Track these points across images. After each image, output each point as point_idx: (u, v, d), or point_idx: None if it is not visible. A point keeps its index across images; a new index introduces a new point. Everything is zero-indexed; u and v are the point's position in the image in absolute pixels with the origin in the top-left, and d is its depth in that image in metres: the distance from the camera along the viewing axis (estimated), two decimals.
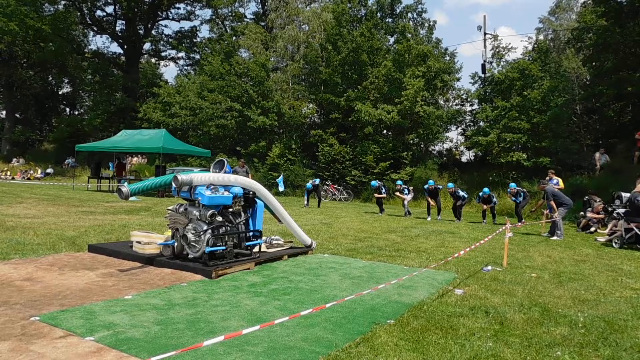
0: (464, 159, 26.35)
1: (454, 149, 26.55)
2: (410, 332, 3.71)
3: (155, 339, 3.29)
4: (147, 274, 5.27)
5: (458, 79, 25.76)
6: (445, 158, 25.30)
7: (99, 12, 39.35)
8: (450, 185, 14.88)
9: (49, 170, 31.42)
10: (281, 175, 21.36)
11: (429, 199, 14.96)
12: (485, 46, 24.61)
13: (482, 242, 6.91)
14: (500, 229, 7.66)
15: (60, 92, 47.01)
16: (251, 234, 6.13)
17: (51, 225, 8.55)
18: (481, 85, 23.97)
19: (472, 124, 25.11)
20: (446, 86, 24.50)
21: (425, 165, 22.57)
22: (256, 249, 6.17)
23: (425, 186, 15.23)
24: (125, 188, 5.23)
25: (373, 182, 16.46)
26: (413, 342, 3.48)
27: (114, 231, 8.35)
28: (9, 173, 30.58)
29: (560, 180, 13.66)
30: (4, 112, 45.61)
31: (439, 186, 15.34)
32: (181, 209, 5.66)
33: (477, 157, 24.57)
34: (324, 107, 26.25)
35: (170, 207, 5.88)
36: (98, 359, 2.92)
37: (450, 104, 26.21)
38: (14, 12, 32.45)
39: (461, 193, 14.67)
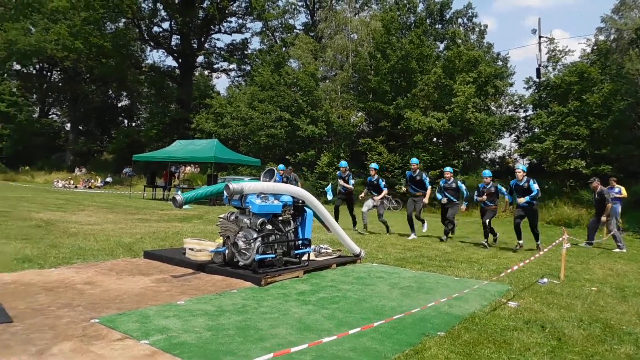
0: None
1: (507, 157, 25.77)
2: (461, 345, 3.60)
3: (207, 344, 3.35)
4: (199, 280, 5.40)
5: (511, 84, 25.05)
6: (498, 166, 24.59)
7: (155, 28, 41.14)
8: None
9: (108, 179, 32.97)
10: (330, 184, 21.43)
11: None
12: (540, 49, 23.83)
13: (537, 255, 6.64)
14: (558, 240, 7.33)
15: (119, 105, 49.36)
16: (300, 242, 6.16)
17: (110, 232, 8.93)
18: (536, 90, 23.18)
19: (526, 130, 24.33)
20: (498, 92, 23.88)
21: (477, 173, 22.02)
22: (305, 257, 6.20)
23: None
24: (180, 196, 5.39)
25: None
26: (464, 356, 3.38)
27: (167, 238, 8.62)
28: (72, 182, 32.35)
29: (623, 188, 12.95)
30: (68, 125, 48.38)
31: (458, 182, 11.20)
32: (232, 217, 5.77)
33: (532, 165, 23.72)
34: (373, 115, 26.19)
35: (221, 215, 6.01)
36: None
37: (503, 110, 25.50)
38: (79, 32, 34.47)
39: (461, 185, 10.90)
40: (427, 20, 28.28)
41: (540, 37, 24.02)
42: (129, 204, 17.01)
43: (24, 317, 3.77)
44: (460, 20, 30.04)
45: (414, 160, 11.36)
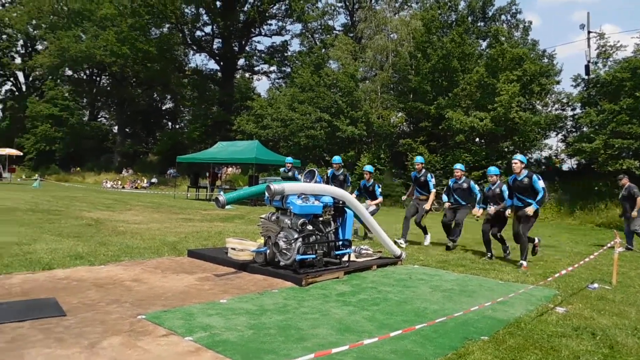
0: (565, 167, 24.61)
1: (553, 157, 24.89)
2: (506, 350, 3.50)
3: (248, 342, 3.40)
4: (241, 279, 5.49)
5: (557, 82, 24.19)
6: (544, 167, 23.80)
7: (198, 33, 42.12)
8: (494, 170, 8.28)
9: (154, 180, 33.97)
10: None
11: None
12: (589, 45, 22.91)
13: (588, 258, 6.39)
14: (610, 244, 7.03)
15: (163, 108, 50.79)
16: (340, 243, 6.16)
17: (155, 231, 9.20)
18: (584, 88, 22.30)
19: (574, 129, 23.41)
20: (544, 90, 23.10)
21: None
22: (345, 258, 6.19)
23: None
24: (222, 197, 5.48)
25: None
26: None
27: (210, 238, 8.80)
28: (119, 182, 33.58)
29: None
30: (116, 128, 50.20)
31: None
32: (273, 218, 5.83)
33: (581, 166, 22.83)
34: (413, 115, 25.89)
35: (263, 216, 6.08)
36: (196, 358, 3.07)
37: (549, 109, 24.66)
38: (126, 38, 35.74)
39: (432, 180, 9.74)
40: (469, 18, 27.73)
41: (589, 32, 23.09)
42: (173, 204, 17.46)
43: (76, 311, 3.93)
44: (503, 17, 29.30)
45: (419, 158, 9.91)
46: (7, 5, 53.06)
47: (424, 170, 9.75)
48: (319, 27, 38.46)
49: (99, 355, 3.04)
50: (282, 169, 12.80)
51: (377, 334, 3.63)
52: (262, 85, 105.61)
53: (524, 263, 7.24)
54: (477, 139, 23.65)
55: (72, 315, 3.83)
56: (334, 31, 37.30)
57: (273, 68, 43.77)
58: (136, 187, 31.83)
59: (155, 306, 4.20)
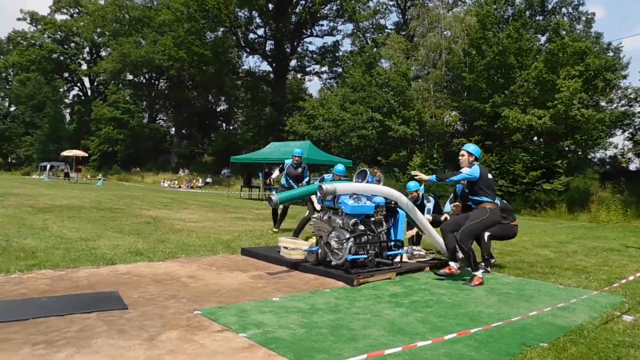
0: (632, 167, 23.25)
1: (619, 156, 23.57)
2: (567, 359, 3.35)
3: (300, 340, 3.43)
4: (293, 278, 5.55)
5: (624, 77, 22.88)
6: (608, 166, 22.58)
7: (251, 35, 42.94)
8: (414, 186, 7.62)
9: (208, 180, 34.96)
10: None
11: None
12: None
13: None
14: None
15: (218, 110, 52.18)
16: (392, 243, 6.11)
17: (210, 230, 9.46)
18: None
19: None
20: (609, 85, 21.91)
21: (584, 174, 20.39)
22: (397, 259, 6.13)
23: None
24: (275, 197, 5.56)
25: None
26: None
27: (263, 236, 8.95)
28: (176, 182, 34.81)
29: None
30: (173, 129, 52.06)
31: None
32: (325, 217, 5.86)
33: None
34: (468, 114, 25.26)
35: (314, 215, 6.12)
36: (250, 354, 3.13)
37: (615, 106, 23.37)
38: (183, 42, 36.99)
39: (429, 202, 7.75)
40: (527, 12, 26.68)
41: None
42: (227, 203, 17.89)
43: (136, 305, 4.11)
44: (564, 9, 28.03)
45: (412, 186, 7.65)
46: (75, 15, 56.28)
47: (421, 195, 7.72)
48: (371, 26, 38.25)
49: (158, 347, 3.16)
50: (286, 162, 9.95)
51: (431, 337, 3.57)
52: (313, 85, 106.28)
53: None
54: (535, 138, 22.76)
55: (133, 308, 4.01)
56: (386, 30, 36.99)
57: (324, 68, 44.00)
58: (192, 187, 32.86)
59: (211, 302, 4.32)
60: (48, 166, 40.84)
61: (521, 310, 4.47)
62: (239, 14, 40.00)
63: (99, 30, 49.52)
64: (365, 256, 5.65)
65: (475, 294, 5.22)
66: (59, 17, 56.35)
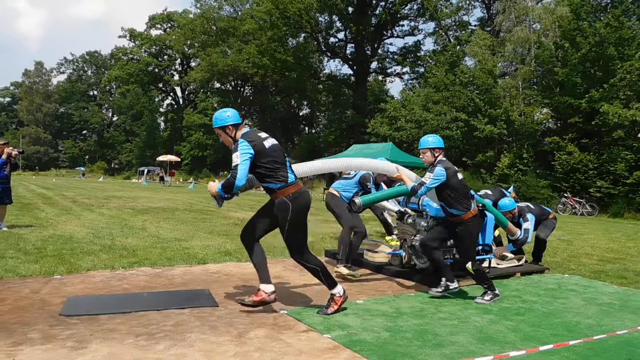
0: None
1: None
2: None
3: (385, 344, 3.40)
4: (377, 281, 5.52)
5: None
6: None
7: (332, 39, 43.40)
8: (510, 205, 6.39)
9: None
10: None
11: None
12: None
13: None
14: None
15: (300, 114, 53.28)
16: (480, 247, 5.87)
17: None
18: None
19: None
20: None
21: None
22: (485, 264, 5.88)
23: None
24: (358, 200, 5.52)
25: None
26: None
27: None
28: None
29: None
30: None
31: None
32: (409, 220, 5.77)
33: None
34: (561, 111, 23.72)
35: (394, 217, 6.05)
36: (334, 356, 3.16)
37: None
38: (266, 49, 38.23)
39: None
40: None
41: None
42: (311, 205, 18.15)
43: (226, 303, 4.30)
44: None
45: (507, 205, 6.42)
46: (168, 30, 60.25)
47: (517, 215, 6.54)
48: (453, 23, 37.18)
49: (247, 344, 3.28)
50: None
51: (523, 347, 3.39)
52: (395, 87, 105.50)
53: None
54: None
55: (223, 306, 4.20)
56: (470, 27, 35.77)
57: (406, 69, 43.42)
58: None
59: (296, 303, 4.41)
60: (145, 170, 44.00)
61: (627, 323, 4.11)
62: (320, 18, 40.60)
63: (188, 42, 52.62)
64: (451, 260, 5.48)
65: (572, 303, 4.88)
66: (154, 32, 60.76)
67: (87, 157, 66.03)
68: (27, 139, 66.55)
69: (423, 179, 4.73)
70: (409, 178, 4.71)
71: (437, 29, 38.47)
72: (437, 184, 4.64)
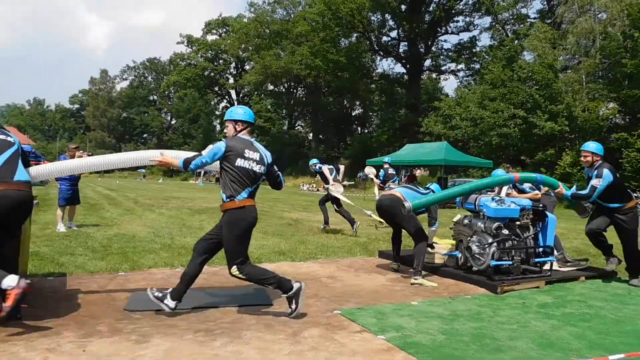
0: None
1: None
2: None
3: (440, 347, 3.33)
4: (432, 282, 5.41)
5: None
6: None
7: (384, 38, 43.09)
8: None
9: (345, 183, 35.74)
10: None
11: None
12: None
13: None
14: None
15: (353, 114, 53.22)
16: (541, 249, 5.64)
17: (348, 232, 9.65)
18: None
19: None
20: None
21: None
22: (546, 267, 5.64)
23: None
24: (408, 203, 5.35)
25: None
26: None
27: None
28: (314, 186, 36.19)
29: None
30: (310, 135, 54.33)
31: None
32: (465, 221, 5.63)
33: None
34: (629, 105, 22.39)
35: (454, 219, 5.92)
36: (389, 357, 3.13)
37: None
38: (318, 50, 38.46)
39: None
40: None
41: None
42: (364, 206, 18.08)
43: (281, 302, 4.34)
44: None
45: None
46: (223, 34, 61.91)
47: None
48: (511, 17, 35.95)
49: (301, 343, 3.31)
50: (382, 171, 11.93)
51: (589, 355, 3.22)
52: (449, 84, 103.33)
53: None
54: None
55: (278, 305, 4.25)
56: (528, 20, 34.46)
57: (461, 66, 42.42)
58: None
59: (350, 303, 4.41)
60: (202, 172, 45.31)
61: None
62: (372, 18, 40.39)
63: (243, 46, 53.79)
64: (510, 262, 5.29)
65: None
66: (210, 37, 62.62)
67: None
68: (94, 143, 70.27)
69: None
70: (177, 158, 4.13)
71: (493, 23, 37.35)
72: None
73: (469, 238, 5.48)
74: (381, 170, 12.13)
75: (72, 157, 8.52)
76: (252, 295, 4.55)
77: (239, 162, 3.78)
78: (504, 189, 6.36)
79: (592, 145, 5.66)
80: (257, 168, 3.88)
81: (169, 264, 5.88)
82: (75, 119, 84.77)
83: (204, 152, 3.83)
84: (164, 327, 3.57)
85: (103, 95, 75.95)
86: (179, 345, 3.21)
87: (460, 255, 5.66)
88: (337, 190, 9.34)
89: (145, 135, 74.67)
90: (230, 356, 3.07)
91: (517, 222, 5.52)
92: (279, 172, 4.24)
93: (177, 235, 8.27)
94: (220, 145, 3.83)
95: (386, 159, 12.48)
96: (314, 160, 10.03)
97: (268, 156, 4.02)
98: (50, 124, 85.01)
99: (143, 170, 62.25)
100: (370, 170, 12.03)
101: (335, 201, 9.51)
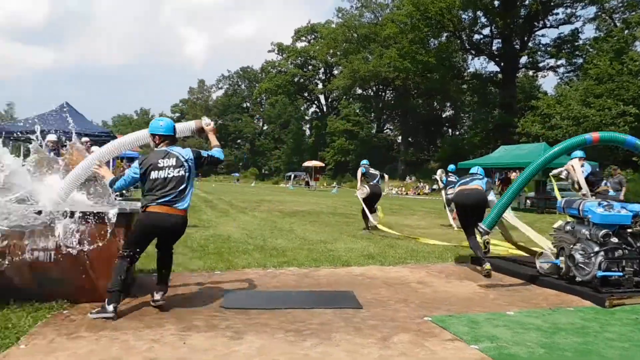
0: None
1: None
2: None
3: None
4: (529, 292, 5.10)
5: None
6: None
7: (476, 36, 41.54)
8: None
9: (435, 187, 34.88)
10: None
11: None
12: None
13: None
14: None
15: (443, 116, 51.84)
16: None
17: (438, 236, 9.39)
18: None
19: None
20: None
21: None
22: None
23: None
24: (482, 227, 5.25)
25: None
26: None
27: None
28: (403, 189, 35.69)
29: None
30: (399, 138, 53.71)
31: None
32: (567, 227, 5.25)
33: None
34: None
35: (555, 225, 5.55)
36: None
37: None
38: (407, 52, 37.99)
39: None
40: None
41: None
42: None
43: (370, 305, 4.34)
44: None
45: None
46: (311, 41, 63.29)
47: None
48: (620, 5, 32.94)
49: (390, 348, 3.27)
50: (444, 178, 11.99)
51: None
52: (548, 81, 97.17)
53: None
54: None
55: (367, 309, 4.24)
56: None
57: (561, 61, 39.60)
58: (418, 194, 33.24)
59: (440, 310, 4.28)
60: (292, 176, 46.54)
61: None
62: (463, 16, 39.11)
63: (331, 51, 54.53)
64: (621, 274, 4.84)
65: None
66: (299, 44, 64.24)
67: (240, 164, 72.06)
68: (192, 149, 74.81)
69: None
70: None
71: (599, 13, 34.49)
72: None
73: (571, 246, 5.10)
74: (444, 176, 12.32)
75: None
76: (342, 298, 4.58)
77: (153, 174, 3.98)
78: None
79: None
80: (176, 172, 4.02)
81: (262, 264, 6.09)
82: None
83: (125, 172, 4.21)
84: (256, 325, 3.70)
85: (200, 103, 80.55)
86: (270, 344, 3.31)
87: (561, 264, 5.28)
88: (361, 193, 9.84)
89: (239, 140, 78.06)
90: (320, 357, 3.11)
91: (629, 230, 5.03)
92: (209, 154, 4.37)
93: (269, 237, 8.54)
94: (136, 164, 4.11)
95: (451, 167, 12.62)
96: (364, 161, 10.50)
97: (185, 153, 4.18)
98: None
99: (237, 174, 65.24)
100: (439, 174, 12.46)
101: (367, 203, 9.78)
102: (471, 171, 6.79)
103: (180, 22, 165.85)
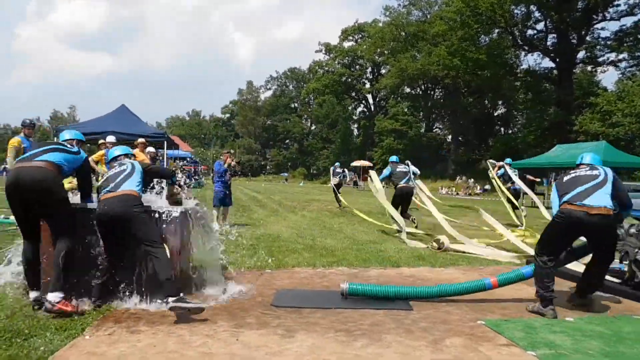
0: None
1: None
2: None
3: None
4: (590, 297, 4.87)
5: None
6: None
7: (529, 32, 40.09)
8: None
9: (487, 187, 33.96)
10: None
11: None
12: None
13: None
14: None
15: (495, 114, 50.35)
16: None
17: (493, 238, 9.14)
18: None
19: None
20: None
21: None
22: None
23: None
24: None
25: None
26: None
27: None
28: (454, 189, 35.00)
29: None
30: (449, 137, 52.66)
31: None
32: (632, 230, 4.99)
33: None
34: None
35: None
36: None
37: None
38: (456, 50, 37.20)
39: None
40: None
41: None
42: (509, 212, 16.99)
43: (421, 307, 4.28)
44: None
45: None
46: (359, 40, 63.09)
47: None
48: None
49: (443, 352, 3.21)
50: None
51: None
52: (608, 77, 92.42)
53: None
54: None
55: (417, 310, 4.18)
56: None
57: (623, 55, 37.47)
58: (469, 194, 32.47)
59: (494, 314, 4.17)
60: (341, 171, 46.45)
61: None
62: (515, 11, 37.82)
63: (378, 50, 54.16)
64: None
65: None
66: (346, 44, 64.17)
67: (289, 163, 72.79)
68: (242, 149, 76.23)
69: None
70: None
71: None
72: None
73: (636, 250, 4.84)
74: (502, 168, 12.31)
75: (225, 161, 9.57)
76: (392, 299, 4.54)
77: None
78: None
79: None
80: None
81: (311, 264, 6.13)
82: (226, 127, 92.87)
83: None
84: (307, 324, 3.73)
85: (250, 104, 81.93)
86: (321, 343, 3.32)
87: (625, 269, 5.02)
88: (380, 194, 9.72)
89: (287, 140, 78.88)
90: (371, 358, 3.10)
91: None
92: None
93: (318, 237, 8.59)
94: None
95: (507, 160, 12.80)
96: (392, 158, 10.74)
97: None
98: (205, 132, 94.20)
99: (285, 174, 66.01)
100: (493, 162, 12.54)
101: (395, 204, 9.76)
102: (582, 161, 4.71)
103: (229, 25, 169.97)
